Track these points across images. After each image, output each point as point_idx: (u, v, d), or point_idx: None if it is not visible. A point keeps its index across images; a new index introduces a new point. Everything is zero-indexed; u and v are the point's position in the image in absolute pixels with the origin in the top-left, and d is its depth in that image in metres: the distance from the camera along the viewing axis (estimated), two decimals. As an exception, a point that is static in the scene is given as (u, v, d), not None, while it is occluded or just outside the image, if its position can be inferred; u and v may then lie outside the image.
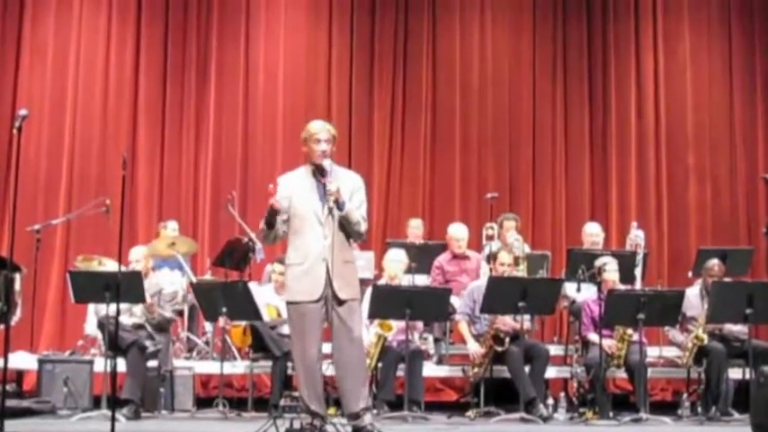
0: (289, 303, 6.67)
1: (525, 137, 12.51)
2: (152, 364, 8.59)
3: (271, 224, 6.58)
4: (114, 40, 12.17)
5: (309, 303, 6.52)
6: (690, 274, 10.13)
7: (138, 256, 8.77)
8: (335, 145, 6.77)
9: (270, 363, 8.88)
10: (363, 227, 6.71)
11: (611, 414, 8.37)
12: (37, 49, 12.06)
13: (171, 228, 10.78)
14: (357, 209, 6.64)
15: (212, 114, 12.18)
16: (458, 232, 10.09)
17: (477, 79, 12.56)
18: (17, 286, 7.39)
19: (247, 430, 6.87)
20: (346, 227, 6.59)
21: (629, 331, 8.56)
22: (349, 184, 6.68)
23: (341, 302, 6.52)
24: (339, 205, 6.51)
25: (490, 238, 10.14)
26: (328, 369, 6.83)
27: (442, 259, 10.06)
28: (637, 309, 8.22)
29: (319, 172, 6.64)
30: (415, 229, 10.85)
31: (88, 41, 12.14)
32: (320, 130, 6.68)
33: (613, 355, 8.61)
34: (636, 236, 10.17)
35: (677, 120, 12.59)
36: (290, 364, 8.55)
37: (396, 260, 9.08)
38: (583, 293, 9.36)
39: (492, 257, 9.21)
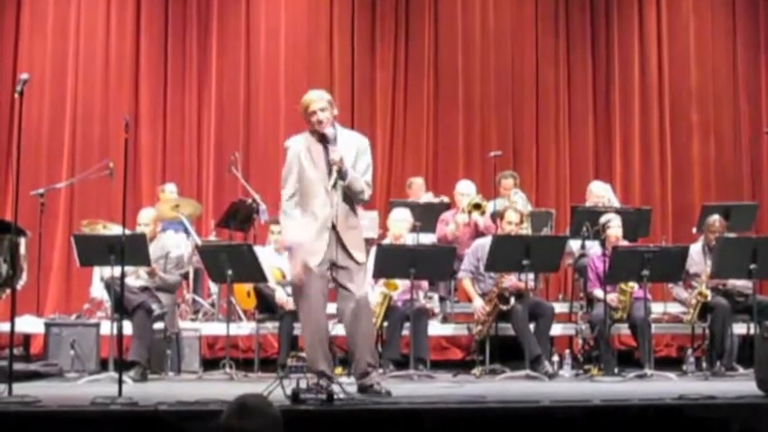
0: (293, 266, 6.66)
1: (528, 94, 12.47)
2: (158, 326, 8.60)
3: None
4: (114, 3, 12.07)
5: (314, 267, 6.52)
6: (694, 230, 10.12)
7: (147, 220, 8.74)
8: (336, 107, 6.73)
9: (276, 323, 8.92)
10: (367, 194, 6.71)
11: (615, 370, 8.39)
12: (37, 12, 11.96)
13: (169, 190, 10.77)
14: (364, 173, 6.63)
15: (214, 76, 12.11)
16: (467, 188, 10.06)
17: (479, 37, 12.50)
18: (22, 250, 7.36)
19: (254, 391, 6.89)
20: (349, 194, 6.59)
21: (631, 283, 8.53)
22: (354, 147, 6.66)
23: (346, 266, 6.54)
24: (342, 174, 6.49)
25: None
26: (334, 329, 6.84)
27: (448, 215, 10.04)
28: (641, 265, 8.21)
29: (322, 140, 6.61)
30: (418, 188, 10.83)
31: (88, 4, 12.04)
32: (312, 101, 6.60)
33: (616, 308, 8.61)
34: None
35: (680, 75, 12.56)
36: (296, 324, 8.58)
37: (400, 219, 9.07)
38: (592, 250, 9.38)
39: (499, 216, 9.20)
